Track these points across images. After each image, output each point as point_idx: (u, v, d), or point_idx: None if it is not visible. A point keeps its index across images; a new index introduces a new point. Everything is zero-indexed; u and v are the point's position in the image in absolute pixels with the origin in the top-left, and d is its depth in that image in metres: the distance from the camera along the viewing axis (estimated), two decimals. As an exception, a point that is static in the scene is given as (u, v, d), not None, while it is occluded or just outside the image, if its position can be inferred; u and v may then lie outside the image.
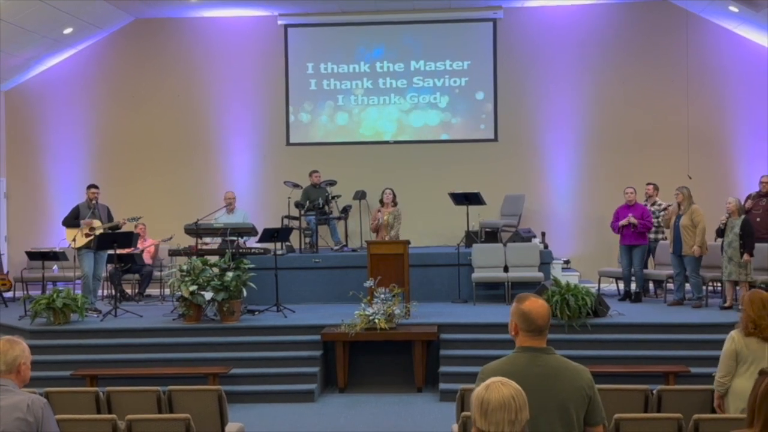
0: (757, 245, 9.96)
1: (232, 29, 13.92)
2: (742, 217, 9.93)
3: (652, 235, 11.38)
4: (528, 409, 2.75)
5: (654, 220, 11.25)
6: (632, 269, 10.96)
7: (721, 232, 10.13)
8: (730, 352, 5.28)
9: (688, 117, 13.11)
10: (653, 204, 11.50)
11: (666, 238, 11.12)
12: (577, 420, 3.25)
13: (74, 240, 10.53)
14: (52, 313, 9.67)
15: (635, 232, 10.80)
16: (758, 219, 10.75)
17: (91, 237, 10.52)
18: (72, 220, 10.70)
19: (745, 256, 9.70)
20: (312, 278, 11.57)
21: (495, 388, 2.75)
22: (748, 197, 11.24)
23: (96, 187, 11.03)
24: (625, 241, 10.89)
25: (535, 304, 3.36)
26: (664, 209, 11.18)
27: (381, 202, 12.23)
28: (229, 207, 12.10)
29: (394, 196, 12.16)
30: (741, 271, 9.73)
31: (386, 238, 11.66)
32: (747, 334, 5.23)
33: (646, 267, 11.41)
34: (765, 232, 10.63)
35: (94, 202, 10.86)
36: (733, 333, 5.33)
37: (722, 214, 10.25)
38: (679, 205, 10.37)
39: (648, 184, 11.68)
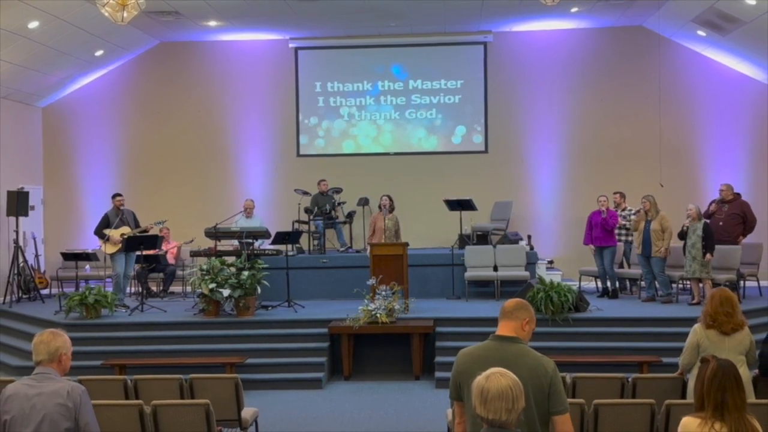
0: (718, 247, 10.08)
1: (248, 52, 13.96)
2: (703, 221, 10.01)
3: (623, 238, 11.40)
4: (524, 398, 2.76)
5: (625, 223, 11.28)
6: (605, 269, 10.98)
7: (682, 235, 10.18)
8: (693, 344, 5.31)
9: (660, 131, 13.11)
10: (623, 210, 11.49)
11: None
12: (535, 402, 3.21)
13: (106, 244, 10.63)
14: (84, 308, 9.70)
15: (603, 234, 10.82)
16: (721, 223, 10.74)
17: (120, 243, 10.58)
18: (102, 231, 10.71)
19: (707, 256, 9.80)
20: (320, 277, 11.59)
21: (494, 378, 2.75)
22: (712, 203, 11.26)
23: (120, 195, 11.07)
24: (596, 243, 10.94)
25: (511, 301, 3.55)
26: (634, 214, 11.18)
27: (379, 207, 12.23)
28: (248, 213, 12.11)
29: (392, 202, 12.13)
30: (703, 269, 9.83)
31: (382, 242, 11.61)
32: (707, 327, 5.25)
33: (621, 267, 11.43)
34: (727, 235, 10.62)
35: (120, 208, 10.89)
36: (696, 326, 5.35)
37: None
38: (646, 212, 10.41)
39: (615, 192, 11.66)
